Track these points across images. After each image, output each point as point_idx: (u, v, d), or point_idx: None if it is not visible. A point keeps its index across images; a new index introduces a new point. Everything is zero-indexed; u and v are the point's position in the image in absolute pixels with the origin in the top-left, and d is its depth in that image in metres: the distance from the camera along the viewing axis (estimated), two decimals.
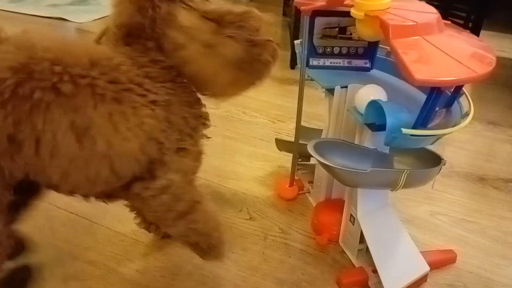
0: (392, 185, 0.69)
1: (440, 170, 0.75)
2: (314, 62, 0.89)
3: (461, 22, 1.74)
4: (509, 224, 0.99)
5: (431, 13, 0.69)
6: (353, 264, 0.86)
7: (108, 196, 0.68)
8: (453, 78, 0.57)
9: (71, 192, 0.64)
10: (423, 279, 0.82)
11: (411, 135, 0.62)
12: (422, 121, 0.64)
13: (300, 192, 1.03)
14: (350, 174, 0.67)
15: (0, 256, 0.63)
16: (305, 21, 0.84)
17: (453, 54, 0.61)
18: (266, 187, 1.07)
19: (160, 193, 0.65)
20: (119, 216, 0.95)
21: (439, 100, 0.62)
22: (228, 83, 0.66)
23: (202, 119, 0.70)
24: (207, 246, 0.73)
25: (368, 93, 0.71)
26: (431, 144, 0.71)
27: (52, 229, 0.92)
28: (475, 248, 0.92)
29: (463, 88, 0.71)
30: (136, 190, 0.65)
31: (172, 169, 0.65)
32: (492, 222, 0.99)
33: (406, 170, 0.66)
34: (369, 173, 0.65)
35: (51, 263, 0.84)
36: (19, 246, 0.81)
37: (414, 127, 0.65)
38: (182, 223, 0.69)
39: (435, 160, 0.77)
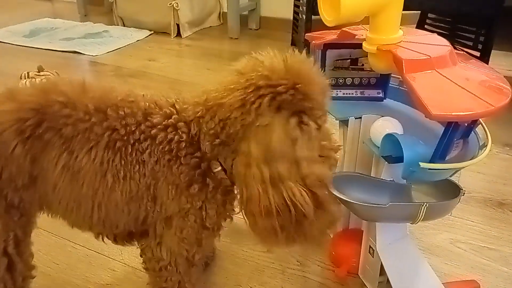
0: (412, 219, 0.69)
1: (459, 200, 0.75)
2: None
3: (470, 43, 1.74)
4: None
5: (444, 46, 0.69)
6: None
7: (120, 239, 0.71)
8: (470, 113, 0.57)
9: (78, 228, 0.69)
10: None
11: (429, 168, 0.62)
12: (440, 155, 0.63)
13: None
14: (368, 209, 0.67)
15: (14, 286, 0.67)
16: (317, 55, 0.85)
17: (468, 87, 0.61)
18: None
19: (148, 260, 0.70)
20: (136, 252, 0.95)
21: (456, 134, 0.61)
22: (270, 231, 0.58)
23: (193, 216, 0.64)
24: None
25: (384, 126, 0.71)
26: (451, 176, 0.70)
27: (70, 265, 0.92)
28: (498, 278, 0.90)
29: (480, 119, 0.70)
30: (139, 245, 0.70)
31: (163, 243, 0.67)
32: None
33: (425, 204, 0.66)
34: (388, 207, 0.65)
35: None
36: None
37: (431, 161, 0.64)
38: None
39: (454, 190, 0.76)
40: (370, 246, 0.83)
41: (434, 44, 0.70)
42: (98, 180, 0.60)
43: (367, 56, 0.76)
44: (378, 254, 0.79)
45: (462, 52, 0.75)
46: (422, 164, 0.61)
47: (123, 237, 0.70)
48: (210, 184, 0.62)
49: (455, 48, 1.69)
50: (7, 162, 0.59)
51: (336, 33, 0.82)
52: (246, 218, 0.59)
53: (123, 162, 0.60)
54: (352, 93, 0.90)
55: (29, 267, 0.70)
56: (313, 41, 0.83)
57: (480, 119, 0.71)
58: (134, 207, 0.62)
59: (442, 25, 1.89)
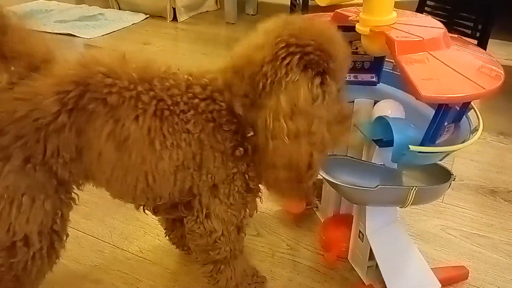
0: (401, 202, 0.68)
1: (450, 185, 0.74)
2: None
3: (468, 31, 1.72)
4: None
5: (437, 28, 0.68)
6: (363, 282, 0.84)
7: (161, 210, 0.71)
8: (461, 95, 0.57)
9: (120, 199, 0.69)
10: None
11: (419, 152, 0.62)
12: (430, 138, 0.63)
13: (307, 207, 1.02)
14: (357, 192, 0.66)
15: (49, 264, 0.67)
16: None
17: (460, 70, 0.60)
18: (273, 202, 1.06)
19: (199, 236, 0.69)
20: (125, 234, 0.95)
21: (447, 117, 0.61)
22: (287, 183, 0.60)
23: (239, 180, 0.66)
24: None
25: (386, 107, 0.70)
26: (440, 160, 0.70)
27: None
28: (487, 264, 0.90)
29: (472, 103, 0.70)
30: (186, 219, 0.69)
31: (212, 214, 0.67)
32: (504, 236, 0.97)
33: (415, 187, 0.65)
34: (377, 190, 0.64)
35: (57, 281, 0.83)
36: None
37: (422, 144, 0.64)
38: (210, 267, 0.73)
39: (445, 175, 0.75)
40: (359, 231, 0.83)
41: (428, 26, 0.69)
42: (146, 147, 0.59)
43: (360, 40, 0.75)
44: (368, 239, 0.79)
45: (458, 36, 0.74)
46: (412, 147, 0.61)
47: (164, 209, 0.70)
48: (249, 147, 0.63)
49: (456, 32, 1.68)
50: (51, 133, 0.58)
51: (330, 16, 0.81)
52: (265, 170, 0.60)
53: (170, 130, 0.60)
54: (346, 77, 0.89)
55: (62, 246, 0.68)
56: None
57: (472, 104, 0.70)
58: (181, 176, 0.63)
59: (441, 12, 1.87)
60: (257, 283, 0.82)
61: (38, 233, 0.62)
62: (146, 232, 0.96)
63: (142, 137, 0.59)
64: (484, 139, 1.34)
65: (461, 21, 1.77)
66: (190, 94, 0.61)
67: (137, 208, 0.70)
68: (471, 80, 0.58)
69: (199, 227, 0.68)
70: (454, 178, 0.74)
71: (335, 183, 0.65)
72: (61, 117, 0.57)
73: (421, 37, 0.63)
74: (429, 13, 1.89)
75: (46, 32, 2.24)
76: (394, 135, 0.63)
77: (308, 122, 0.56)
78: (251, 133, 0.62)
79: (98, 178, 0.65)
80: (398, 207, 0.83)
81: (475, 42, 1.67)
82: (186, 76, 0.63)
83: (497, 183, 1.15)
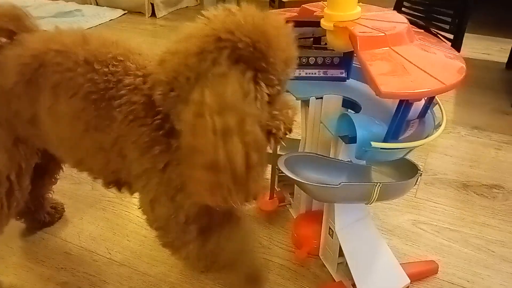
0: (366, 199, 0.68)
1: (417, 181, 0.74)
2: None
3: (446, 27, 1.73)
4: (492, 231, 0.98)
5: (401, 23, 0.68)
6: (334, 279, 0.84)
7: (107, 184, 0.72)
8: (420, 91, 0.56)
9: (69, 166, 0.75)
10: None
11: (382, 148, 0.61)
12: (392, 134, 0.62)
13: (281, 204, 1.02)
14: (320, 190, 0.66)
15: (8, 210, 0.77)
16: None
17: (421, 65, 0.59)
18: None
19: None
20: (94, 235, 0.93)
21: (408, 112, 0.60)
22: (212, 185, 0.54)
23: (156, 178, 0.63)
24: None
25: None
26: (405, 155, 0.69)
27: (24, 248, 0.90)
28: (458, 258, 0.90)
29: (437, 98, 0.69)
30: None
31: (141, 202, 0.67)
32: (475, 230, 0.98)
33: (379, 184, 0.65)
34: (340, 187, 0.64)
35: (20, 285, 0.81)
36: (53, 216, 0.97)
37: (385, 140, 0.63)
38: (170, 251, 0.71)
39: (414, 170, 0.75)
40: (329, 228, 0.82)
41: (392, 21, 0.69)
42: (74, 126, 0.64)
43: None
44: (337, 236, 0.79)
45: (422, 31, 0.73)
46: (374, 144, 0.60)
47: (108, 183, 0.71)
48: (174, 145, 0.59)
49: (430, 31, 1.69)
50: (12, 97, 0.67)
51: (297, 11, 0.80)
52: (186, 170, 0.56)
53: (95, 114, 0.62)
54: (315, 73, 0.88)
55: (23, 196, 0.78)
56: None
57: (437, 98, 0.70)
58: (104, 156, 0.66)
59: (419, 7, 1.88)
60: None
61: None
62: (115, 233, 0.95)
63: (71, 115, 0.64)
64: (458, 133, 1.34)
65: (438, 16, 1.78)
66: (123, 83, 0.61)
67: (93, 180, 0.72)
68: (431, 76, 0.58)
69: (147, 213, 0.67)
70: (421, 174, 0.74)
71: (298, 180, 0.64)
72: (19, 85, 0.66)
73: (384, 33, 0.63)
74: (407, 8, 1.89)
75: None
76: (357, 131, 0.62)
77: (239, 119, 0.51)
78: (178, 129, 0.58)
79: (46, 143, 0.73)
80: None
81: (452, 36, 1.68)
82: (129, 64, 0.63)
83: (470, 177, 1.16)
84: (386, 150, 0.63)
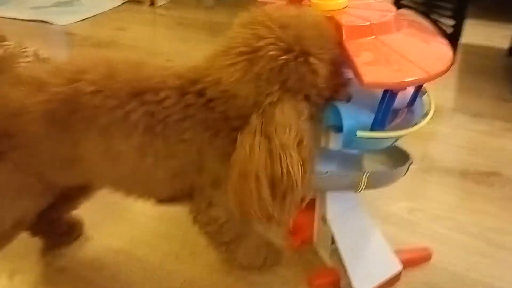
0: (354, 187, 0.68)
1: (408, 169, 0.74)
2: None
3: (448, 13, 1.71)
4: (490, 219, 0.97)
5: (389, 12, 0.68)
6: (326, 265, 0.85)
7: (166, 202, 0.73)
8: (403, 80, 0.56)
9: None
10: (396, 278, 0.81)
11: (368, 137, 0.61)
12: (378, 123, 0.63)
13: None
14: None
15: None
16: None
17: (406, 54, 0.59)
18: None
19: (205, 225, 0.72)
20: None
21: (393, 102, 0.60)
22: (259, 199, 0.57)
23: None
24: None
25: None
26: (393, 143, 0.70)
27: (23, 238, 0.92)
28: (454, 246, 0.91)
29: (425, 87, 0.69)
30: (190, 209, 0.72)
31: (214, 203, 0.68)
32: (472, 218, 0.98)
33: (366, 172, 0.66)
34: (326, 176, 0.65)
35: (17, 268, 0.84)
36: (74, 232, 0.92)
37: (372, 129, 0.64)
38: (222, 248, 0.76)
39: (406, 158, 0.76)
40: (322, 215, 0.83)
41: (379, 10, 0.68)
42: (138, 162, 0.62)
43: None
44: (329, 224, 0.80)
45: (413, 19, 0.73)
46: (359, 133, 0.60)
47: (168, 201, 0.73)
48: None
49: (430, 18, 1.67)
50: (43, 147, 0.62)
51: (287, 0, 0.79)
52: (233, 183, 0.58)
53: (163, 143, 0.61)
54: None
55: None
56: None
57: (425, 87, 0.70)
58: (179, 180, 0.65)
59: None
60: (275, 253, 0.84)
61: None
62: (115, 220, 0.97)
63: (134, 154, 0.61)
64: (457, 121, 1.34)
65: (439, 3, 1.76)
66: (183, 103, 0.60)
67: (141, 200, 0.72)
68: (415, 65, 0.57)
69: (203, 217, 0.70)
70: (411, 162, 0.74)
71: None
72: (51, 134, 0.61)
73: (370, 22, 0.63)
74: None
75: (20, 19, 2.21)
76: (343, 121, 0.63)
77: (292, 135, 0.55)
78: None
79: (98, 183, 0.73)
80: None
81: (453, 23, 1.67)
82: (177, 82, 0.61)
83: (467, 165, 1.16)
84: (373, 139, 0.64)
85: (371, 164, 0.80)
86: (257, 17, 0.58)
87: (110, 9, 2.40)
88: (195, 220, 0.73)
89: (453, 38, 1.61)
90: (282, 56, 0.54)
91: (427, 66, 0.57)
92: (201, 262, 0.86)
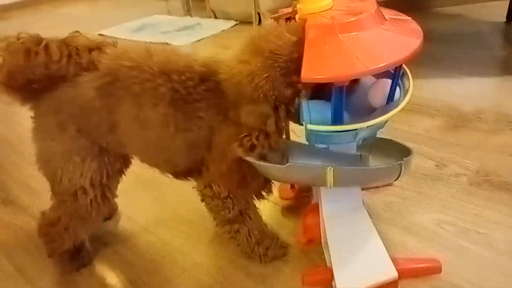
0: (321, 182, 0.70)
1: (401, 172, 0.72)
2: None
3: None
4: None
5: (366, 12, 0.68)
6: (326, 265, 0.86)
7: (180, 175, 0.85)
8: (340, 75, 0.58)
9: (147, 164, 0.85)
10: (392, 285, 0.78)
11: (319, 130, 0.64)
12: (335, 117, 0.65)
13: (303, 194, 1.05)
14: (271, 169, 0.70)
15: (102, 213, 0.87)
16: None
17: (357, 51, 0.60)
18: None
19: (209, 199, 0.82)
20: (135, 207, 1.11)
21: (342, 95, 0.62)
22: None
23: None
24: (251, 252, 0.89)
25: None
26: (361, 137, 0.70)
27: None
28: (473, 261, 0.83)
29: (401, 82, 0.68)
30: (198, 184, 0.83)
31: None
32: (506, 236, 0.88)
33: (331, 166, 0.67)
34: (288, 168, 0.68)
35: None
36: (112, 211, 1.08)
37: (332, 124, 0.66)
38: (227, 228, 0.85)
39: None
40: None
41: (359, 10, 0.69)
42: (162, 129, 0.74)
43: None
44: (322, 221, 0.82)
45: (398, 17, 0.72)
46: (309, 126, 0.63)
47: (182, 174, 0.84)
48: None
49: None
50: (92, 111, 0.77)
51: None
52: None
53: (183, 117, 0.73)
54: None
55: (112, 200, 0.90)
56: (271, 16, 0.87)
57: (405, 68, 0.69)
58: (193, 152, 0.77)
59: None
60: (278, 246, 0.90)
61: (91, 185, 0.82)
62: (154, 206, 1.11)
63: (159, 121, 0.74)
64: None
65: None
66: (204, 87, 0.73)
67: (162, 172, 0.84)
68: (359, 60, 0.59)
69: (208, 191, 0.81)
70: (401, 164, 0.73)
71: (251, 161, 0.70)
72: (96, 100, 0.75)
73: (333, 21, 0.65)
74: None
75: (146, 42, 2.59)
76: (304, 116, 0.66)
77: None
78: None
79: (129, 149, 0.83)
80: (360, 192, 0.84)
81: None
82: (202, 69, 0.74)
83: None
84: (333, 133, 0.66)
85: (374, 163, 0.80)
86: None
87: (223, 30, 2.65)
88: (202, 194, 0.83)
89: None
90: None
91: (370, 61, 0.58)
92: (210, 250, 0.95)
